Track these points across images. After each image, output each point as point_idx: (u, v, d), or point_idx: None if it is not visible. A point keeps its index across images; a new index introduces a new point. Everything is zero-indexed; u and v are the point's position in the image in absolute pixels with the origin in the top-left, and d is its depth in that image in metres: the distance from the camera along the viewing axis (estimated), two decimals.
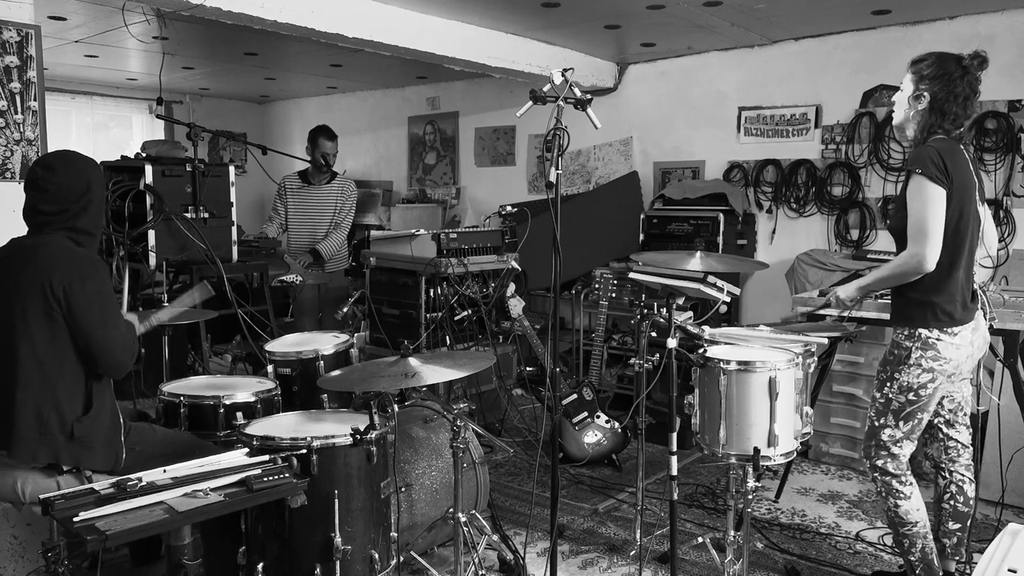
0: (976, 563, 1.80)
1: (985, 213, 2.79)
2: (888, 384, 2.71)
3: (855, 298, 2.84)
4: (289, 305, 5.07)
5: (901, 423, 2.70)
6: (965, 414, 2.85)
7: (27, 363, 2.36)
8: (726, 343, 2.99)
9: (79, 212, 2.45)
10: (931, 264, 2.52)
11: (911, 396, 2.66)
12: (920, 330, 2.64)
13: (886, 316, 2.93)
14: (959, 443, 2.86)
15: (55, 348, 2.37)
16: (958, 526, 2.86)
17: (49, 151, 3.08)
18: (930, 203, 2.52)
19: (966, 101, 2.60)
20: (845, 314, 3.46)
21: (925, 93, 2.62)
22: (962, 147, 2.64)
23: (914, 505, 2.73)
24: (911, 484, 2.74)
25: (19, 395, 2.36)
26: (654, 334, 3.17)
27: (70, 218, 2.44)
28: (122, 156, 4.24)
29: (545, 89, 2.49)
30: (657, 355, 3.07)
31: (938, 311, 2.61)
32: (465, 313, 4.31)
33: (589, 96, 2.54)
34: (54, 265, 2.36)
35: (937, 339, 2.62)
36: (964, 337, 2.65)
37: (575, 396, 4.37)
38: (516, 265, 4.42)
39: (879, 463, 2.75)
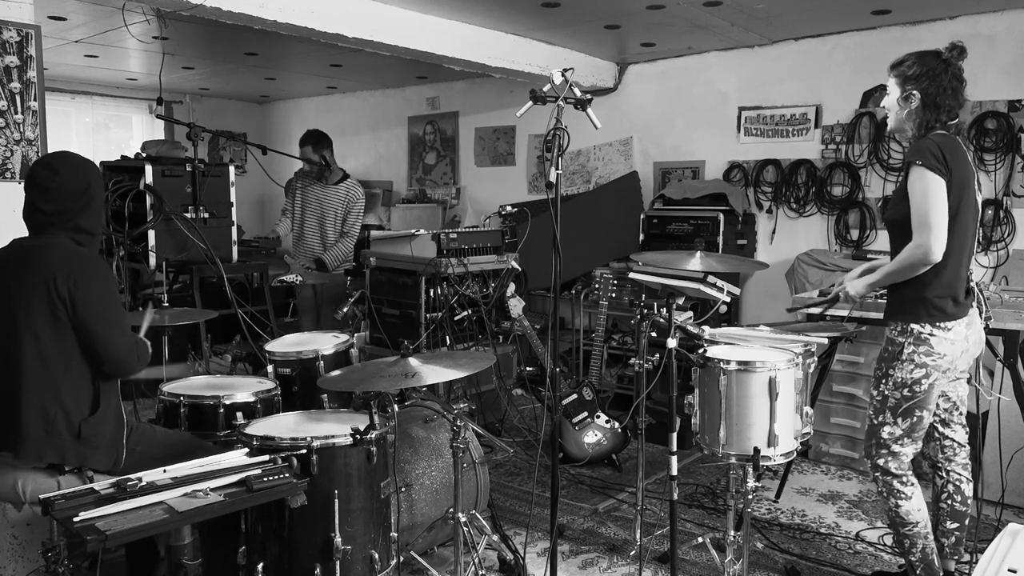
0: (976, 563, 1.80)
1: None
2: (884, 381, 2.71)
3: (864, 294, 2.84)
4: (289, 305, 5.07)
5: (899, 420, 2.70)
6: (961, 413, 2.85)
7: (31, 363, 2.36)
8: (726, 343, 2.99)
9: (79, 211, 2.46)
10: (937, 254, 2.53)
11: (906, 392, 2.66)
12: (912, 325, 2.64)
13: None
14: (955, 442, 2.86)
15: (60, 348, 2.37)
16: (956, 525, 2.86)
17: (49, 152, 3.09)
18: (931, 194, 2.53)
19: (955, 92, 2.63)
20: (851, 314, 3.46)
21: (914, 92, 2.64)
22: (960, 140, 2.66)
23: (915, 505, 2.73)
24: (912, 484, 2.74)
25: (24, 396, 2.36)
26: (654, 334, 3.17)
27: (71, 218, 2.45)
28: (122, 156, 4.25)
29: (545, 89, 2.49)
30: (657, 355, 3.07)
31: (930, 306, 2.62)
32: (465, 313, 4.30)
33: (589, 96, 2.54)
34: (57, 265, 2.37)
35: (930, 334, 2.62)
36: (958, 332, 2.65)
37: (575, 396, 4.37)
38: (516, 265, 4.42)
39: (880, 462, 2.75)
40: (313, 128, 5.23)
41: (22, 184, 2.53)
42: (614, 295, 4.71)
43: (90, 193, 2.49)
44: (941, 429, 2.86)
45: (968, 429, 2.88)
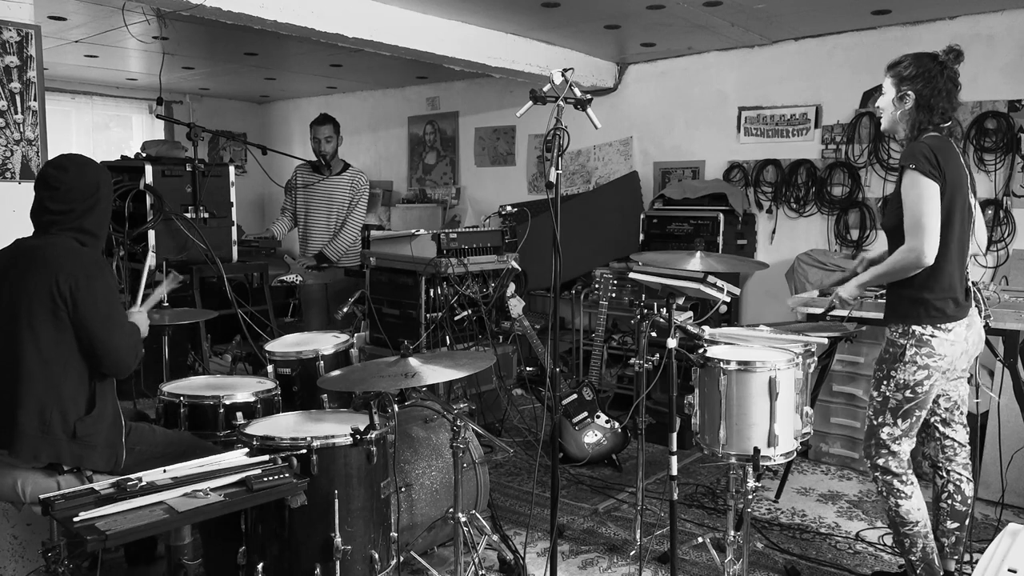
0: (976, 563, 1.80)
1: (976, 209, 2.80)
2: (885, 382, 2.71)
3: (857, 296, 2.85)
4: (289, 305, 5.06)
5: (899, 421, 2.70)
6: (962, 413, 2.86)
7: (31, 362, 2.37)
8: (726, 343, 2.99)
9: (85, 212, 2.48)
10: (929, 258, 2.54)
11: (908, 393, 2.67)
12: (914, 327, 2.65)
13: None
14: (956, 442, 2.86)
15: (60, 347, 2.38)
16: (956, 525, 2.87)
17: (50, 152, 3.09)
18: (924, 197, 2.54)
19: (949, 95, 2.64)
20: (848, 313, 3.46)
21: (909, 92, 2.65)
22: (952, 142, 2.66)
23: (915, 505, 2.73)
24: (912, 483, 2.74)
25: (22, 394, 2.36)
26: (654, 334, 3.17)
27: (76, 218, 2.46)
28: (122, 156, 4.25)
29: (545, 89, 2.49)
30: (657, 355, 3.07)
31: (931, 308, 2.62)
32: (465, 313, 4.30)
33: (589, 96, 2.54)
34: (60, 264, 2.38)
35: (931, 336, 2.63)
36: (958, 333, 2.65)
37: (575, 396, 4.37)
38: (516, 265, 4.42)
39: (880, 462, 2.75)
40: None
41: (22, 184, 2.54)
42: (614, 295, 4.71)
43: (98, 195, 2.51)
44: (942, 429, 2.86)
45: (968, 428, 2.89)
